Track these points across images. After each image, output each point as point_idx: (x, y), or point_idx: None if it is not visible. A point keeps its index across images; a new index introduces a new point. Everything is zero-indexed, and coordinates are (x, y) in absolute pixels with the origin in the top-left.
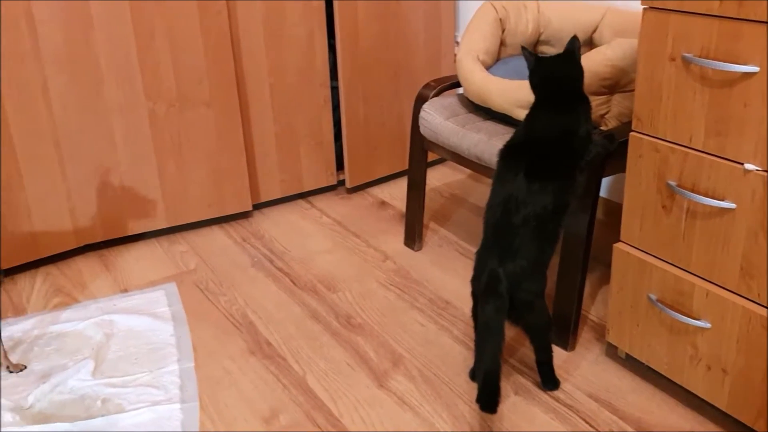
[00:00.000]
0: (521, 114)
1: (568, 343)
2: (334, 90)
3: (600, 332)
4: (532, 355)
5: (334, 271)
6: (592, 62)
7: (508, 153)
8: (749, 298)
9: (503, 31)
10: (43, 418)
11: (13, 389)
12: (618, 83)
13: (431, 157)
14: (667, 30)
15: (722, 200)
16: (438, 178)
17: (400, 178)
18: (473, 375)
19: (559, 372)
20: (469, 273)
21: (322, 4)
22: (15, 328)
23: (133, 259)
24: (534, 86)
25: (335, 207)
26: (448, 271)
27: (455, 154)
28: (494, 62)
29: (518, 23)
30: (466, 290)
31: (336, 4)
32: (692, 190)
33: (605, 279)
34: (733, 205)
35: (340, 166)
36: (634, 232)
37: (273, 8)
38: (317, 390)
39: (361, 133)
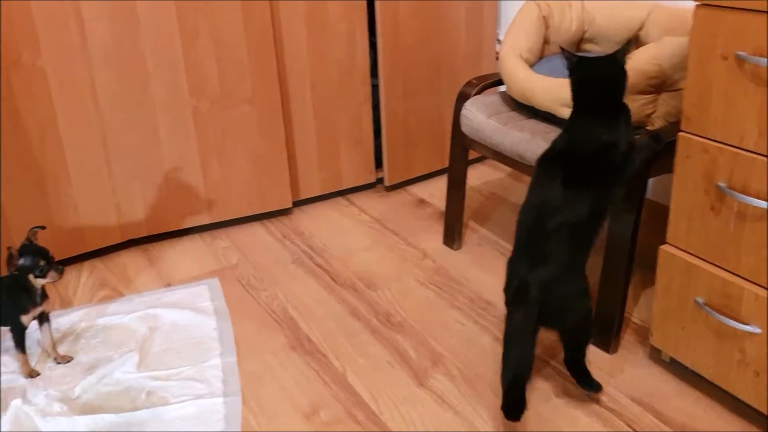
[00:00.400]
0: (565, 112)
1: (610, 346)
2: (374, 88)
3: (643, 335)
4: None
5: (373, 269)
6: (639, 61)
7: (546, 160)
8: None
9: (547, 29)
10: (90, 408)
11: (61, 380)
12: (665, 82)
13: (471, 155)
14: (719, 28)
15: None
16: (477, 176)
17: (439, 177)
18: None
19: (601, 375)
20: None
21: (364, 3)
22: (62, 320)
23: (176, 254)
24: (573, 89)
25: (374, 205)
26: (488, 270)
27: (497, 153)
28: (537, 60)
29: (562, 21)
30: None
31: (377, 3)
32: (743, 192)
33: (647, 281)
34: None
35: (378, 163)
36: (680, 234)
37: (315, 6)
38: (357, 387)
39: (401, 130)
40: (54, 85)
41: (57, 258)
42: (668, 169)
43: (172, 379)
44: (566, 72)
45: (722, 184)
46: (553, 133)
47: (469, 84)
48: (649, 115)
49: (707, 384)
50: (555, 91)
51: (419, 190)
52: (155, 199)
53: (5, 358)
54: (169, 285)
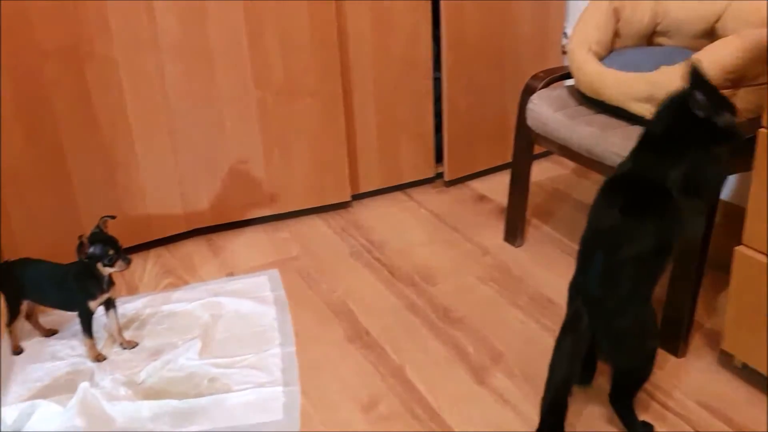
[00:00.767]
0: (637, 108)
1: (678, 349)
2: (437, 81)
3: (713, 339)
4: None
5: (432, 264)
6: (717, 54)
7: (608, 185)
8: None
9: (618, 21)
10: (154, 393)
11: (127, 364)
12: (744, 77)
13: (535, 150)
14: None
15: None
16: (540, 172)
17: (500, 172)
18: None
19: (668, 378)
20: (573, 272)
21: None
22: (128, 306)
23: (238, 244)
24: (661, 118)
25: (433, 199)
26: (551, 268)
27: (564, 148)
28: (607, 53)
29: (634, 13)
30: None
31: None
32: None
33: (720, 284)
34: None
35: (439, 158)
36: (758, 236)
37: None
38: (416, 382)
39: (462, 125)
40: (125, 76)
41: (124, 245)
42: (745, 167)
43: (234, 367)
44: (637, 66)
45: None
46: (622, 128)
47: (535, 77)
48: None
49: None
50: (626, 86)
51: (480, 185)
52: (219, 189)
53: (73, 342)
54: (231, 274)
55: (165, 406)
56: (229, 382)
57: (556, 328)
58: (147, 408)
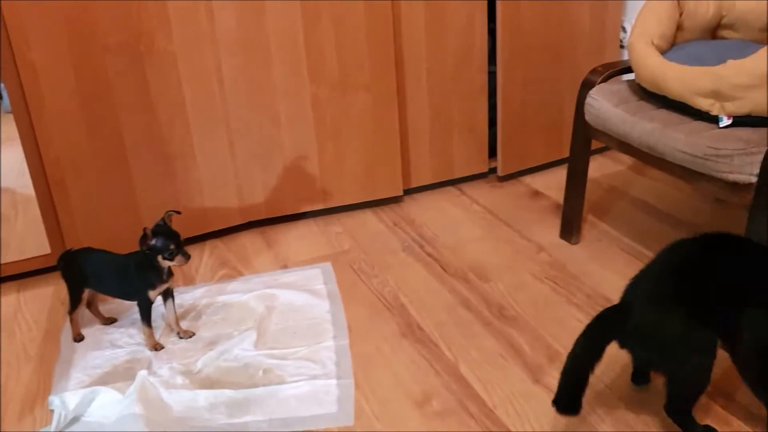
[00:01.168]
0: (702, 103)
1: None
2: (491, 75)
3: None
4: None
5: (485, 260)
6: None
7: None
8: None
9: (681, 14)
10: (210, 383)
11: (183, 354)
12: None
13: (592, 145)
14: None
15: None
16: (596, 168)
17: (555, 168)
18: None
19: (732, 380)
20: (631, 271)
21: None
22: (185, 297)
23: (292, 237)
24: None
25: (486, 195)
26: (609, 267)
27: (623, 143)
28: (669, 47)
29: (698, 5)
30: None
31: None
32: None
33: None
34: None
35: (492, 153)
36: None
37: None
38: (470, 379)
39: (517, 119)
40: (183, 70)
41: (182, 236)
42: None
43: (288, 359)
44: (701, 60)
45: None
46: (685, 124)
47: (594, 71)
48: None
49: None
50: (689, 80)
51: (533, 181)
52: (274, 182)
53: (131, 331)
54: (285, 267)
55: (221, 396)
56: (283, 373)
57: None
58: (203, 397)
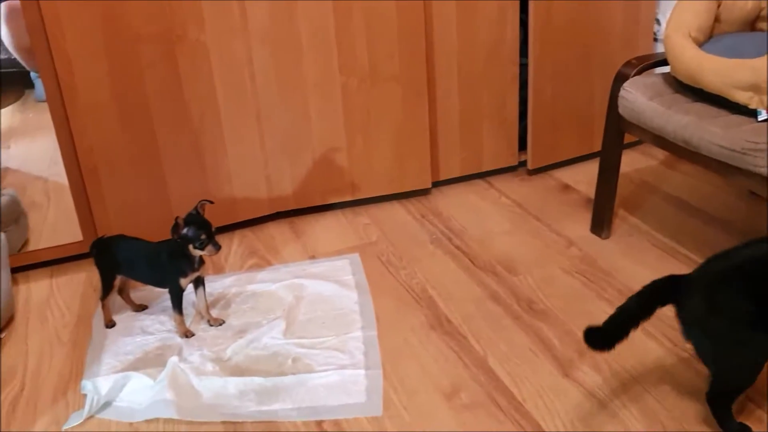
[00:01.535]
0: (740, 96)
1: None
2: (522, 67)
3: None
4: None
5: (514, 254)
6: None
7: None
8: None
9: (718, 5)
10: (240, 370)
11: (214, 341)
12: None
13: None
14: None
15: None
16: (627, 163)
17: (585, 162)
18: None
19: None
20: (663, 266)
21: None
22: (215, 285)
23: (320, 228)
24: None
25: (515, 188)
26: (640, 262)
27: (657, 137)
28: (707, 40)
29: None
30: None
31: None
32: None
33: None
34: None
35: (522, 146)
36: None
37: None
38: (499, 372)
39: (548, 112)
40: (215, 60)
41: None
42: None
43: (317, 348)
44: (740, 53)
45: None
46: (722, 117)
47: (628, 64)
48: None
49: None
50: (727, 73)
51: (563, 174)
52: (303, 173)
53: (162, 318)
54: (313, 257)
55: (250, 384)
56: (312, 362)
57: (647, 324)
58: (233, 384)
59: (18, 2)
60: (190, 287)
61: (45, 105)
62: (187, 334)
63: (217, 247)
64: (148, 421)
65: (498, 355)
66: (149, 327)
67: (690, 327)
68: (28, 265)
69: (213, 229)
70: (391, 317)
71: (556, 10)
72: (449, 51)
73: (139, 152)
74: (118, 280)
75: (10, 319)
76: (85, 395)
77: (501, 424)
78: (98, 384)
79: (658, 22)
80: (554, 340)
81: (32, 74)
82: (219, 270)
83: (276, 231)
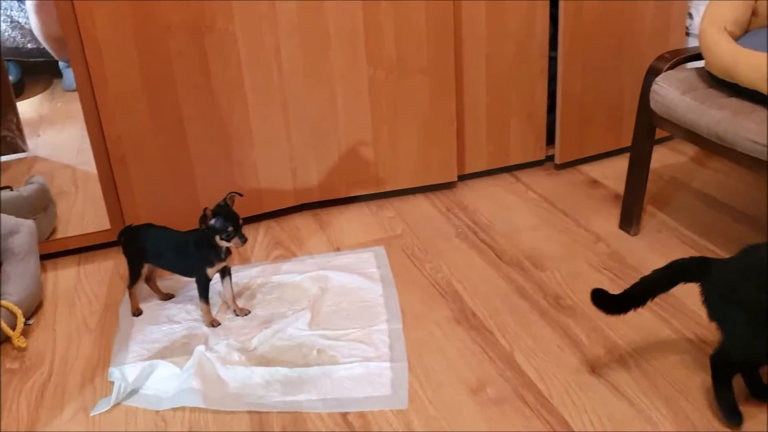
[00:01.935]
0: None
1: None
2: (552, 60)
3: None
4: None
5: (541, 249)
6: None
7: None
8: None
9: None
10: (265, 360)
11: (240, 331)
12: None
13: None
14: None
15: None
16: (657, 159)
17: (614, 157)
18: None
19: None
20: None
21: None
22: (241, 275)
23: (345, 220)
24: None
25: (542, 183)
26: (668, 258)
27: (690, 132)
28: (743, 34)
29: None
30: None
31: None
32: None
33: None
34: None
35: (549, 140)
36: None
37: None
38: (525, 367)
39: (576, 107)
40: (243, 51)
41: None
42: None
43: (342, 340)
44: None
45: None
46: (757, 113)
47: (660, 58)
48: None
49: None
50: (764, 67)
51: (591, 169)
52: (328, 166)
53: (189, 307)
54: (338, 249)
55: (276, 374)
56: (337, 354)
57: (674, 320)
58: (259, 374)
59: None
60: (216, 277)
61: (73, 94)
62: (213, 324)
63: (244, 240)
64: (174, 410)
65: (524, 350)
66: (176, 316)
67: (719, 298)
68: (56, 252)
69: (241, 222)
70: (416, 310)
71: (586, 3)
72: (478, 43)
73: (167, 142)
74: (146, 268)
75: (39, 306)
76: (112, 382)
77: (528, 420)
78: (125, 371)
79: (690, 16)
80: (581, 336)
81: (60, 64)
82: (245, 260)
83: (301, 222)
